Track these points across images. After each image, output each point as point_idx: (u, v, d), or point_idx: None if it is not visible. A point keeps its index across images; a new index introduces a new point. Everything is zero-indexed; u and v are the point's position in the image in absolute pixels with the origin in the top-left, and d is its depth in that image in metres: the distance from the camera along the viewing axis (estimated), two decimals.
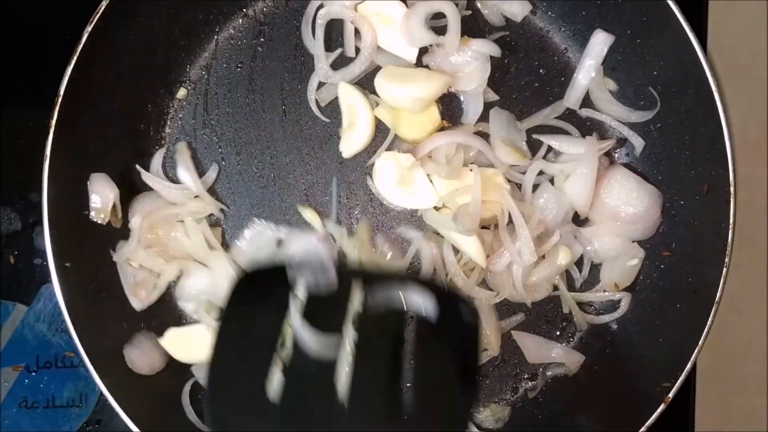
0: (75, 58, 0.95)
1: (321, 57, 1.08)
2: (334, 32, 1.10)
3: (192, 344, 1.04)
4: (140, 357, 1.01)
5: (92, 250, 1.02)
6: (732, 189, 0.95)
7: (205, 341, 1.02)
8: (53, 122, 0.94)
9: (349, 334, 0.76)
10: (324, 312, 0.77)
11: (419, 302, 0.78)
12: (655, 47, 1.03)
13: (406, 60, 1.08)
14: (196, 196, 1.07)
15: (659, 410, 0.95)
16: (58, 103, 0.95)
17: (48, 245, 0.95)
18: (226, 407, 0.73)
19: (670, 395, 0.95)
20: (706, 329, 0.95)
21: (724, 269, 0.95)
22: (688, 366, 0.95)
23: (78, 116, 0.97)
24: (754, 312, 1.24)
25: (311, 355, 0.74)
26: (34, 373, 1.11)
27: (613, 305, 1.08)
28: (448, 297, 0.80)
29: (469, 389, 0.79)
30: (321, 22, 1.08)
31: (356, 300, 0.78)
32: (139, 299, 1.04)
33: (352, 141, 1.08)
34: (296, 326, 0.75)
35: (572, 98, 1.09)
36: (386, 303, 0.78)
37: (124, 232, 1.05)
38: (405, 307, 0.78)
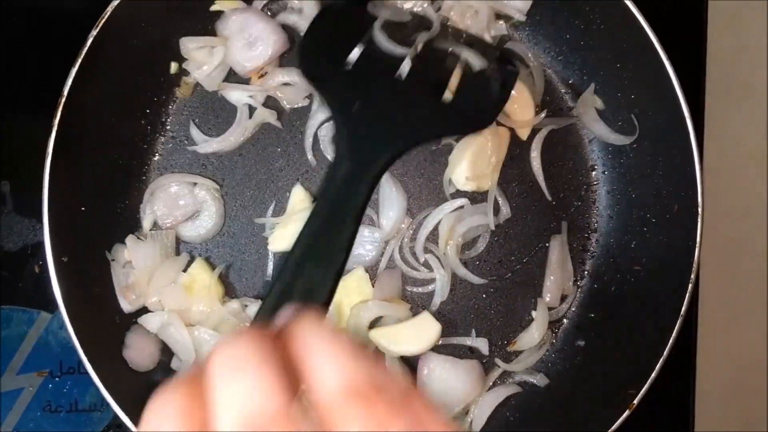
0: (79, 60, 0.98)
1: None
2: None
3: None
4: (139, 355, 1.04)
5: (88, 246, 1.05)
6: (700, 210, 1.00)
7: None
8: (56, 121, 0.98)
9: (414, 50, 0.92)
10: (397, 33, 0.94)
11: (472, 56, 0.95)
12: (633, 71, 1.07)
13: None
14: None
15: (624, 415, 1.00)
16: (62, 104, 0.98)
17: (47, 240, 0.98)
18: (314, 59, 0.91)
19: (635, 402, 1.00)
20: (671, 340, 1.00)
21: (690, 285, 1.00)
22: (654, 374, 1.00)
23: (81, 114, 1.01)
24: (755, 319, 1.28)
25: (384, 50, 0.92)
26: (57, 379, 1.13)
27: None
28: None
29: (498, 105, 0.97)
30: None
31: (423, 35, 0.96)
32: (128, 301, 1.06)
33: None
34: (376, 30, 0.93)
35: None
36: (445, 45, 0.96)
37: (120, 233, 1.09)
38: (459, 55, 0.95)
